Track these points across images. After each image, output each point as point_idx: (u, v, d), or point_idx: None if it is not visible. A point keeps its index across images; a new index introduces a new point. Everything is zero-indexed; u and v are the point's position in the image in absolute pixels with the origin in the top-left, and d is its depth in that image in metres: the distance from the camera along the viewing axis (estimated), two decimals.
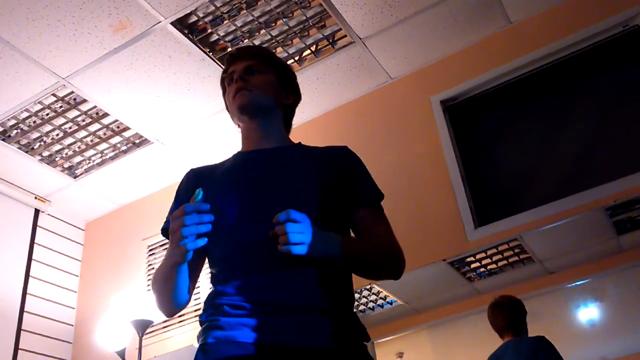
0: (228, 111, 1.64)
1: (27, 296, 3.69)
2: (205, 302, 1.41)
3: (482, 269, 2.91)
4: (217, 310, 1.34)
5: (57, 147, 3.56)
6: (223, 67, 3.11)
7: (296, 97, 1.66)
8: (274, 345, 1.25)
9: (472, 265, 2.90)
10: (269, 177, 1.46)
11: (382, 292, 3.02)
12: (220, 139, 3.61)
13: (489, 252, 2.84)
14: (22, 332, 3.58)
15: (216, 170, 1.55)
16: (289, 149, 1.57)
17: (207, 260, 1.50)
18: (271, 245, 1.27)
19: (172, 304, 1.41)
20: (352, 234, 1.50)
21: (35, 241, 3.88)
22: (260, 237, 1.32)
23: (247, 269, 1.35)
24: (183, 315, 3.49)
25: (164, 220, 1.51)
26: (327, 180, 1.46)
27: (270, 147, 1.54)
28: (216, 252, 1.42)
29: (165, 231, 1.48)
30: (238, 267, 1.36)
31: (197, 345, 1.37)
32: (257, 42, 3.05)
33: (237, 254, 1.37)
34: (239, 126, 1.64)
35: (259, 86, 1.55)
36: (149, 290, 3.65)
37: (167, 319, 3.36)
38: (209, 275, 1.48)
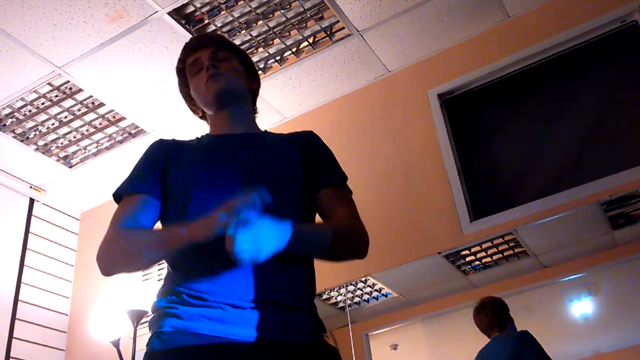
0: (189, 100, 1.61)
1: (22, 285, 3.69)
2: (163, 287, 1.35)
3: (477, 262, 2.92)
4: (177, 297, 1.28)
5: (53, 136, 3.55)
6: None
7: (259, 82, 1.65)
8: (234, 340, 1.23)
9: (467, 259, 2.91)
10: (249, 159, 1.43)
11: (377, 284, 3.03)
12: None
13: (484, 246, 2.85)
14: (16, 321, 3.58)
15: (186, 148, 1.49)
16: (261, 134, 1.56)
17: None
18: None
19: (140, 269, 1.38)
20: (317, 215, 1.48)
21: (30, 231, 3.87)
22: None
23: (214, 257, 1.26)
24: None
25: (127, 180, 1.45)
26: (300, 159, 1.46)
27: (243, 133, 1.51)
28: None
29: (118, 196, 1.43)
30: (205, 253, 1.27)
31: None
32: (254, 34, 3.04)
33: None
34: (200, 115, 1.61)
35: (231, 72, 1.53)
36: (144, 279, 3.65)
37: None
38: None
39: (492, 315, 2.59)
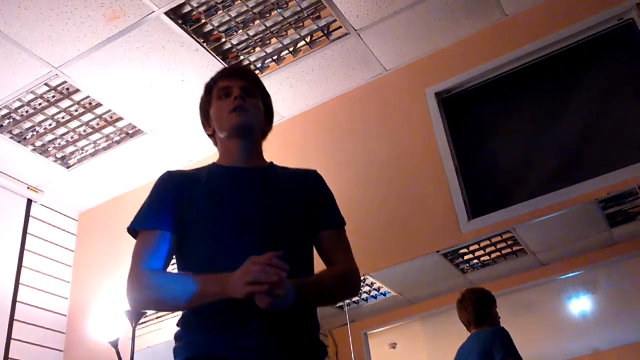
0: (205, 115, 1.69)
1: (20, 286, 3.68)
2: (185, 317, 1.44)
3: (475, 261, 2.92)
4: (199, 327, 1.38)
5: (50, 137, 3.54)
6: (217, 57, 3.11)
7: (271, 126, 1.75)
8: None
9: (465, 257, 2.91)
10: (262, 195, 1.53)
11: (375, 283, 3.03)
12: None
13: (482, 244, 2.85)
14: (14, 322, 3.57)
15: (196, 180, 1.57)
16: (267, 169, 1.65)
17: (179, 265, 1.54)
18: None
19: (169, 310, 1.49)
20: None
21: (28, 231, 3.86)
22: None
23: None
24: None
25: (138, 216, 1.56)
26: (304, 198, 1.59)
27: (251, 167, 1.61)
28: (200, 265, 1.44)
29: (134, 231, 1.53)
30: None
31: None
32: (251, 33, 3.04)
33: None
34: (210, 133, 1.69)
35: (255, 110, 1.63)
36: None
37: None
38: None
39: (471, 312, 2.59)
